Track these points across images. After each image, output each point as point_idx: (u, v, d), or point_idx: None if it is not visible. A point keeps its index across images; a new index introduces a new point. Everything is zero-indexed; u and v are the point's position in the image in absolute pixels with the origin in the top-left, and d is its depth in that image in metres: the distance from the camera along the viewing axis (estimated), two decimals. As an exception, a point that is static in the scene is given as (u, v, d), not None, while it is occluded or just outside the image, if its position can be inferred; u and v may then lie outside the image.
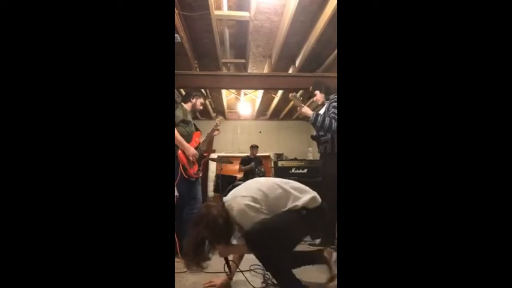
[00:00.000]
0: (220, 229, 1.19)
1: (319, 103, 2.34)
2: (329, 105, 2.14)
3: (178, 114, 2.10)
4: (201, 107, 2.32)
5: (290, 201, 1.26)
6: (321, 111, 2.21)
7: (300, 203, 1.25)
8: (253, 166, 4.20)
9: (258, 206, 1.20)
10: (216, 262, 1.38)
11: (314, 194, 1.32)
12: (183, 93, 4.55)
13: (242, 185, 1.37)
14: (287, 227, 1.21)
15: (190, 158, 2.05)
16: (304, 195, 1.29)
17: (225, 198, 1.31)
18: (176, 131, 2.00)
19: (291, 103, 5.78)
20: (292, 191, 1.29)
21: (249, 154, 4.69)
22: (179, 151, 2.01)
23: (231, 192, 1.33)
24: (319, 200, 1.32)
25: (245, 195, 1.23)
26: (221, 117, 2.51)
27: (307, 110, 2.13)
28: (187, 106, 2.23)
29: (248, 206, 1.19)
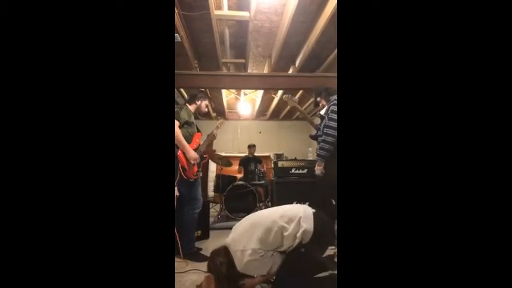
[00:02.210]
0: (227, 276, 1.22)
1: (325, 106, 2.37)
2: (328, 108, 2.17)
3: (183, 115, 2.09)
4: (206, 109, 2.31)
5: (285, 244, 1.26)
6: (322, 112, 2.25)
7: (295, 243, 1.26)
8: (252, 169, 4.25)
9: (258, 256, 1.21)
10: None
11: (305, 226, 1.27)
12: (183, 93, 4.58)
13: (241, 226, 1.34)
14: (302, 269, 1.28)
15: (192, 162, 2.04)
16: (297, 228, 1.27)
17: (227, 243, 1.30)
18: (179, 132, 1.99)
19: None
20: (285, 225, 1.26)
21: (247, 154, 4.70)
22: (179, 151, 2.00)
23: (232, 234, 1.32)
24: (311, 229, 1.27)
25: (245, 249, 1.22)
26: (222, 120, 2.51)
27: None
28: (192, 107, 2.22)
29: (250, 261, 1.20)
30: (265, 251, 1.22)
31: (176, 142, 1.98)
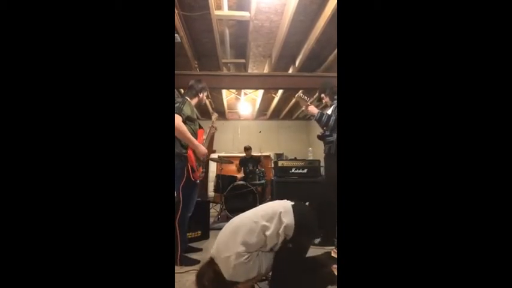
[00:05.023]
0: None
1: (328, 105, 2.35)
2: (335, 106, 2.16)
3: (186, 110, 1.94)
4: (205, 100, 2.20)
5: (269, 243, 1.23)
6: (329, 111, 2.23)
7: (279, 241, 1.23)
8: (250, 170, 4.25)
9: (243, 259, 1.17)
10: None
11: (285, 221, 1.22)
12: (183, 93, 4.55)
13: (224, 234, 1.29)
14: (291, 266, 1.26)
15: (201, 158, 1.95)
16: (278, 224, 1.23)
17: (212, 254, 1.27)
18: (185, 128, 1.86)
19: (291, 103, 5.79)
20: (267, 224, 1.23)
21: (245, 155, 4.71)
22: (189, 151, 1.90)
23: (215, 244, 1.28)
24: (292, 223, 1.23)
25: (230, 255, 1.18)
26: (216, 114, 2.40)
27: (312, 109, 2.19)
28: (193, 101, 2.08)
29: (236, 266, 1.17)
30: (249, 253, 1.19)
31: (181, 137, 1.85)
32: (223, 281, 1.19)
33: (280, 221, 1.23)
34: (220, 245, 1.24)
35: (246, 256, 1.17)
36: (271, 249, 1.25)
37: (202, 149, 1.95)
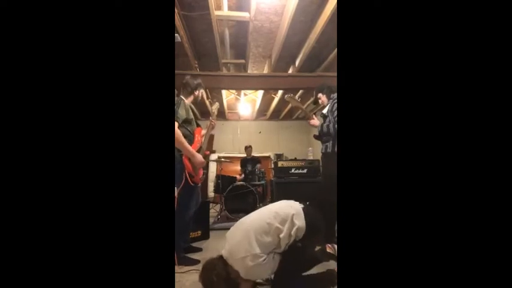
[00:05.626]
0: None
1: (325, 104, 2.37)
2: (332, 105, 2.17)
3: (181, 113, 1.82)
4: (201, 97, 2.07)
5: (282, 245, 1.25)
6: (324, 111, 2.25)
7: (290, 241, 1.25)
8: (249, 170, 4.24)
9: (260, 260, 1.19)
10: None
11: (298, 224, 1.25)
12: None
13: (236, 235, 1.29)
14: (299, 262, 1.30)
15: (199, 167, 1.87)
16: (291, 226, 1.26)
17: (224, 255, 1.26)
18: (180, 134, 1.75)
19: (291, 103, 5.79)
20: (280, 226, 1.25)
21: (245, 155, 4.71)
22: (184, 157, 1.81)
23: (227, 246, 1.28)
24: (304, 225, 1.26)
25: (246, 255, 1.19)
26: (217, 104, 2.25)
27: (314, 122, 2.26)
28: (189, 100, 1.96)
29: (253, 266, 1.18)
30: (266, 255, 1.21)
31: (178, 145, 1.75)
32: (233, 281, 1.21)
33: (292, 223, 1.26)
34: (233, 246, 1.25)
35: (263, 258, 1.20)
36: (283, 250, 1.28)
37: (199, 158, 1.84)
